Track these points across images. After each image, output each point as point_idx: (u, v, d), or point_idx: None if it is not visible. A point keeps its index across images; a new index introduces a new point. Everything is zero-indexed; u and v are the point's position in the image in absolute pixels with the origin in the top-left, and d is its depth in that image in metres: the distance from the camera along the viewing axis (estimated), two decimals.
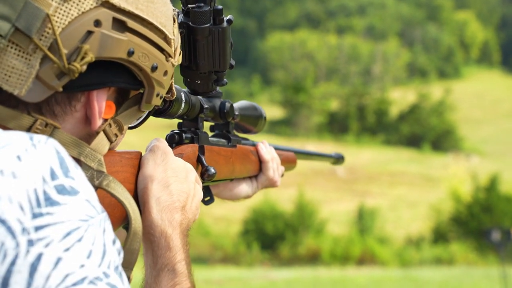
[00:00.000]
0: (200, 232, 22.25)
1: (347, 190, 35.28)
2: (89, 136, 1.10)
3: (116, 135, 1.13)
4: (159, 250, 1.18)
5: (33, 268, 0.84)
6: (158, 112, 1.34)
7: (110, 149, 1.17)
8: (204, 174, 1.45)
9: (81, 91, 1.06)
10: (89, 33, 1.02)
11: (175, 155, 1.28)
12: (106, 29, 1.03)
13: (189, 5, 1.34)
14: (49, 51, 1.00)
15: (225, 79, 1.43)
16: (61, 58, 1.01)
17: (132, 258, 1.11)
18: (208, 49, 1.35)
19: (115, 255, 0.93)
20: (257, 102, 1.84)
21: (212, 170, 1.44)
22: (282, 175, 1.88)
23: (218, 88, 1.48)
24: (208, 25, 1.33)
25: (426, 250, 22.17)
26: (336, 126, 57.21)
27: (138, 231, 1.11)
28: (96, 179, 1.09)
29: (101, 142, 1.11)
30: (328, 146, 44.10)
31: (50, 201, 0.87)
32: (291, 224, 22.53)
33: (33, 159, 0.89)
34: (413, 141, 54.05)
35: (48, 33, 1.00)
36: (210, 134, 1.62)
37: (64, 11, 1.00)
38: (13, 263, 0.84)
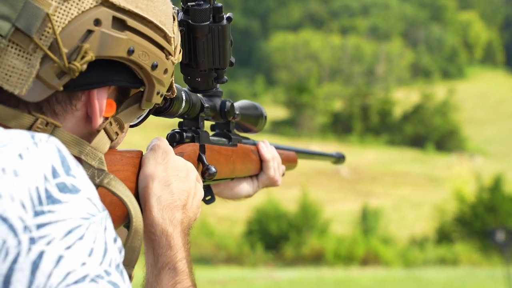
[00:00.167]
0: (204, 232, 22.24)
1: (350, 190, 35.24)
2: (90, 135, 1.10)
3: (117, 133, 1.14)
4: (160, 249, 1.18)
5: (35, 266, 0.85)
6: (158, 111, 1.34)
7: (111, 148, 1.17)
8: (205, 173, 1.45)
9: (81, 90, 1.06)
10: (89, 32, 1.02)
11: (176, 154, 1.29)
12: (106, 28, 1.03)
13: (188, 3, 1.34)
14: (49, 50, 1.01)
15: (225, 77, 1.43)
16: (61, 58, 1.01)
17: (133, 256, 1.11)
18: (208, 46, 1.35)
19: (116, 253, 0.93)
20: (261, 103, 1.84)
21: (213, 169, 1.44)
22: (283, 174, 1.87)
23: (218, 86, 1.48)
24: (208, 23, 1.33)
25: (430, 250, 22.13)
26: (339, 126, 57.15)
27: (139, 229, 1.12)
28: (97, 177, 1.09)
29: (101, 141, 1.11)
30: (331, 147, 44.04)
31: (51, 199, 0.88)
32: (294, 224, 22.49)
33: (34, 157, 0.90)
34: (417, 142, 53.98)
35: (48, 32, 1.00)
36: (210, 133, 1.62)
37: (64, 11, 1.01)
38: (15, 261, 0.84)
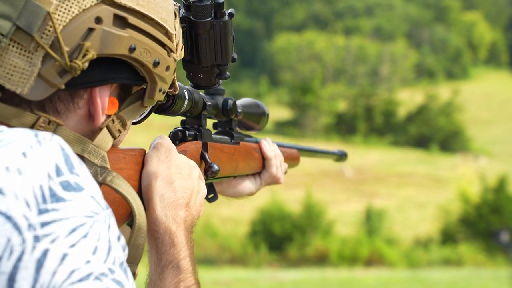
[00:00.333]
0: (208, 233, 22.23)
1: (354, 191, 35.21)
2: (92, 133, 1.11)
3: (120, 131, 1.14)
4: (163, 247, 1.18)
5: (39, 264, 0.85)
6: (161, 109, 1.34)
7: (114, 146, 1.17)
8: (207, 171, 1.45)
9: (83, 88, 1.06)
10: (90, 30, 1.02)
11: (178, 152, 1.28)
12: (107, 26, 1.03)
13: (190, 0, 1.34)
14: (50, 49, 1.01)
15: (227, 73, 1.43)
16: (62, 56, 1.01)
17: (137, 254, 1.11)
18: (210, 43, 1.35)
19: (120, 251, 0.94)
20: (265, 103, 1.84)
21: (216, 167, 1.44)
22: (286, 172, 1.87)
23: (221, 83, 1.48)
24: (210, 19, 1.33)
25: (434, 251, 22.10)
26: (343, 127, 57.10)
27: (143, 227, 1.12)
28: (100, 175, 1.09)
29: (104, 138, 1.11)
30: (335, 147, 43.82)
31: (55, 197, 0.88)
32: (298, 225, 22.48)
33: (38, 155, 0.90)
34: (421, 142, 53.89)
35: (49, 31, 1.00)
36: (213, 131, 1.62)
37: (65, 9, 1.01)
38: (19, 259, 0.84)
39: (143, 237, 1.12)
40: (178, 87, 1.26)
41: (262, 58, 79.54)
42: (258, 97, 62.88)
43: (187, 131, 1.44)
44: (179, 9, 1.32)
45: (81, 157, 1.08)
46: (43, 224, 0.86)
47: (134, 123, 1.25)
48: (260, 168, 1.78)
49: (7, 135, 0.92)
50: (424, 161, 46.63)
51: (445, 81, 79.70)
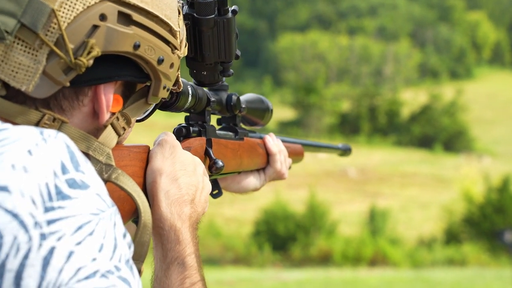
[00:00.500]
0: (212, 233, 22.24)
1: (358, 191, 35.18)
2: (97, 130, 1.11)
3: (124, 128, 1.14)
4: (168, 243, 1.18)
5: (46, 262, 0.85)
6: (165, 106, 1.34)
7: (118, 143, 1.17)
8: (212, 167, 1.44)
9: (88, 85, 1.06)
10: (95, 27, 1.02)
11: (183, 148, 1.28)
12: (112, 23, 1.03)
13: None
14: (55, 46, 1.01)
15: (231, 70, 1.43)
16: (67, 53, 1.01)
17: (142, 251, 1.11)
18: (213, 40, 1.34)
19: (126, 249, 0.94)
20: None
21: (220, 163, 1.44)
22: (290, 168, 1.86)
23: (224, 80, 1.48)
24: (213, 16, 1.33)
25: (438, 251, 22.07)
26: (347, 127, 57.07)
27: (148, 223, 1.12)
28: (105, 172, 1.09)
29: (109, 136, 1.11)
30: None
31: (61, 195, 0.88)
32: (302, 225, 22.47)
33: (44, 153, 0.90)
34: (425, 142, 53.83)
35: (54, 28, 1.00)
36: (217, 127, 1.61)
37: (70, 6, 1.01)
38: (26, 256, 0.85)
39: (149, 234, 1.12)
40: (182, 84, 1.26)
41: (266, 58, 79.54)
42: None
43: (191, 127, 1.44)
44: (183, 6, 1.31)
45: (86, 154, 1.08)
46: (49, 222, 0.86)
47: (138, 121, 1.25)
48: (265, 163, 1.77)
49: (13, 133, 0.93)
50: (427, 161, 46.57)
51: (449, 81, 79.62)
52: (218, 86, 1.55)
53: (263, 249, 21.60)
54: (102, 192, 0.93)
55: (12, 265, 0.84)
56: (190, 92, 1.38)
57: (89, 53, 1.02)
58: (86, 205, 0.90)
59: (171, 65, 1.15)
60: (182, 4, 1.29)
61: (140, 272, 1.09)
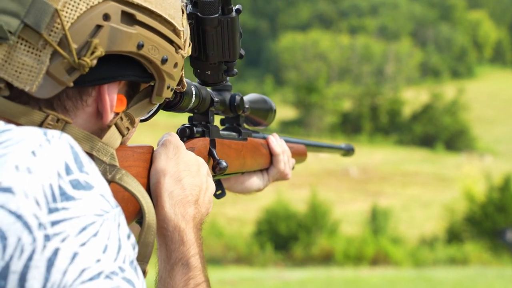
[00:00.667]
0: (213, 232, 22.24)
1: (360, 191, 35.18)
2: (100, 131, 1.10)
3: (128, 129, 1.13)
4: (172, 244, 1.18)
5: (50, 263, 0.85)
6: (168, 106, 1.33)
7: (122, 143, 1.17)
8: (215, 168, 1.44)
9: (92, 85, 1.06)
10: (98, 27, 1.02)
11: (186, 149, 1.28)
12: (115, 22, 1.03)
13: None
14: (59, 46, 1.00)
15: (235, 69, 1.42)
16: (71, 53, 1.01)
17: (146, 252, 1.11)
18: (217, 39, 1.34)
19: (130, 250, 0.93)
20: None
21: (224, 164, 1.44)
22: (293, 168, 1.86)
23: (228, 79, 1.47)
24: (217, 15, 1.32)
25: (440, 250, 22.08)
26: (348, 126, 57.09)
27: (152, 224, 1.11)
28: (109, 173, 1.09)
29: (113, 136, 1.11)
30: None
31: (65, 196, 0.88)
32: (304, 224, 22.48)
33: (47, 154, 0.90)
34: (426, 141, 53.84)
35: (57, 28, 1.00)
36: (220, 127, 1.61)
37: (73, 6, 1.00)
38: (30, 258, 0.84)
39: (153, 235, 1.11)
40: (186, 84, 1.26)
41: (267, 57, 79.56)
42: None
43: (194, 128, 1.44)
44: (186, 6, 1.31)
45: (90, 155, 1.08)
46: (53, 223, 0.86)
47: (141, 121, 1.25)
48: (268, 164, 1.77)
49: (16, 133, 0.92)
50: (429, 160, 46.58)
51: (450, 80, 79.62)
52: (222, 86, 1.55)
53: (265, 248, 21.61)
54: (106, 193, 0.93)
55: (16, 266, 0.84)
56: (194, 92, 1.37)
57: (92, 53, 1.01)
58: (90, 206, 0.89)
59: (175, 65, 1.14)
60: (186, 3, 1.29)
61: (144, 273, 1.09)
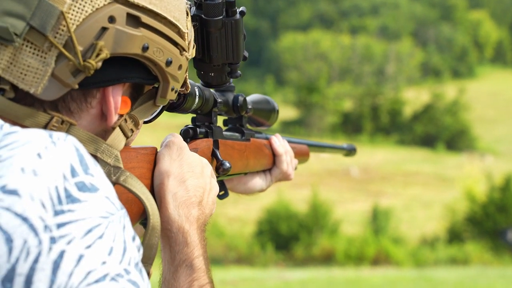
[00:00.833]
0: (214, 233, 22.22)
1: (361, 191, 35.16)
2: (105, 132, 1.11)
3: (132, 130, 1.14)
4: (176, 246, 1.18)
5: (56, 266, 0.85)
6: (172, 107, 1.34)
7: (126, 145, 1.17)
8: (219, 169, 1.44)
9: (96, 87, 1.06)
10: (104, 29, 1.02)
11: (190, 149, 1.28)
12: (121, 25, 1.03)
13: None
14: (64, 48, 1.01)
15: (238, 71, 1.43)
16: (76, 56, 1.01)
17: (151, 253, 1.11)
18: (221, 41, 1.34)
19: (135, 252, 0.93)
20: None
21: (227, 164, 1.44)
22: (296, 168, 1.86)
23: (231, 81, 1.47)
24: (221, 17, 1.33)
25: (441, 250, 22.05)
26: (349, 126, 57.03)
27: (157, 226, 1.12)
28: (113, 175, 1.09)
29: (117, 138, 1.11)
30: None
31: (71, 198, 0.88)
32: (305, 224, 22.46)
33: (53, 156, 0.90)
34: (427, 141, 53.79)
35: (62, 30, 1.00)
36: (223, 128, 1.61)
37: (78, 8, 1.01)
38: (36, 260, 0.84)
39: (157, 237, 1.12)
40: (189, 86, 1.26)
41: (268, 57, 79.51)
42: None
43: (198, 129, 1.44)
44: (191, 8, 1.31)
45: (94, 156, 1.08)
46: (59, 225, 0.86)
47: (145, 122, 1.25)
48: (271, 164, 1.77)
49: (21, 136, 0.92)
50: (430, 160, 46.55)
51: (451, 80, 79.53)
52: (225, 87, 1.55)
53: (266, 248, 21.59)
54: (111, 195, 0.93)
55: (22, 269, 0.84)
56: (197, 93, 1.38)
57: (98, 55, 1.02)
58: (96, 208, 0.90)
59: (180, 67, 1.15)
60: (190, 5, 1.29)
61: (148, 274, 1.09)
